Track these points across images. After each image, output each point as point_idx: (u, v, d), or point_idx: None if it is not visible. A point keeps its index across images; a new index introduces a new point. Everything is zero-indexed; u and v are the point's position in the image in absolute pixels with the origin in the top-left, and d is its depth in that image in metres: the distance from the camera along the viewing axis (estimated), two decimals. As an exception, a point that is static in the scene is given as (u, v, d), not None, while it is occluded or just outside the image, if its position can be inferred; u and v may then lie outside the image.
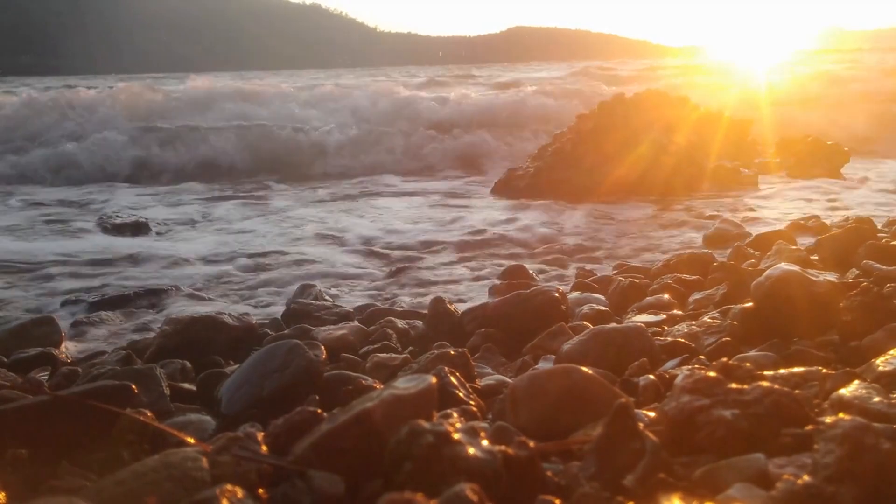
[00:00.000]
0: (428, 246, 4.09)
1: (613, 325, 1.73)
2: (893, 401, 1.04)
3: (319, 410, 1.07)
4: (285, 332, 2.12)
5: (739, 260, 2.60)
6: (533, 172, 5.88)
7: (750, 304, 1.71)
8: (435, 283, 3.27)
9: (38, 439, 1.19)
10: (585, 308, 2.18)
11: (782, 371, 1.28)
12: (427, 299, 2.54)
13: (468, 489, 0.82)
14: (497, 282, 2.97)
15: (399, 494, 0.82)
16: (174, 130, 9.25)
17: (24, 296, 3.21)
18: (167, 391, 1.52)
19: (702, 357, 1.55)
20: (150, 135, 9.10)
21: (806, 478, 0.84)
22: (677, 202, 5.19)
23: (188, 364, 1.82)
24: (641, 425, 1.05)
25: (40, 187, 7.50)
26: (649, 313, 2.09)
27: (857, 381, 1.16)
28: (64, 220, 5.40)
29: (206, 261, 3.87)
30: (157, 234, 4.78)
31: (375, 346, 1.98)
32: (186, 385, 1.70)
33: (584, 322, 1.98)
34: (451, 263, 3.66)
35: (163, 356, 1.89)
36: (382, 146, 9.00)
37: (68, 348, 2.32)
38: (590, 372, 1.19)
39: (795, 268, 1.71)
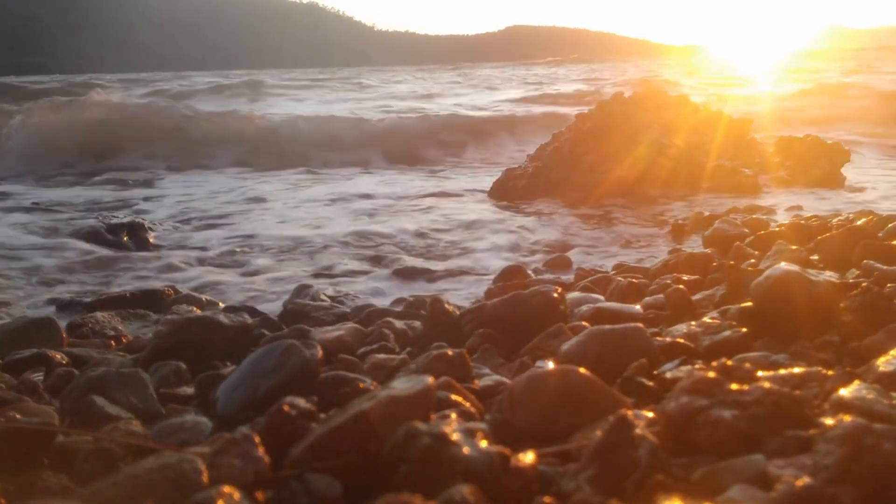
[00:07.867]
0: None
1: (610, 326, 1.72)
2: (894, 402, 1.04)
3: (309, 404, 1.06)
4: (282, 332, 2.11)
5: (739, 260, 2.59)
6: (531, 172, 5.86)
7: (749, 304, 1.70)
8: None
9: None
10: (584, 308, 2.17)
11: (782, 372, 1.27)
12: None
13: (466, 490, 0.82)
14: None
15: (396, 496, 0.82)
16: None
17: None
18: (154, 394, 1.52)
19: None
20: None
21: (806, 479, 0.84)
22: (677, 202, 5.19)
23: (183, 365, 1.81)
24: (641, 423, 1.04)
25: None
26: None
27: (857, 382, 1.15)
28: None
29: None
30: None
31: (373, 346, 1.96)
32: (182, 388, 1.69)
33: (583, 322, 1.97)
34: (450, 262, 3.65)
35: (158, 357, 1.88)
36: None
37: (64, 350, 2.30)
38: (588, 373, 1.18)
39: (795, 268, 1.70)
